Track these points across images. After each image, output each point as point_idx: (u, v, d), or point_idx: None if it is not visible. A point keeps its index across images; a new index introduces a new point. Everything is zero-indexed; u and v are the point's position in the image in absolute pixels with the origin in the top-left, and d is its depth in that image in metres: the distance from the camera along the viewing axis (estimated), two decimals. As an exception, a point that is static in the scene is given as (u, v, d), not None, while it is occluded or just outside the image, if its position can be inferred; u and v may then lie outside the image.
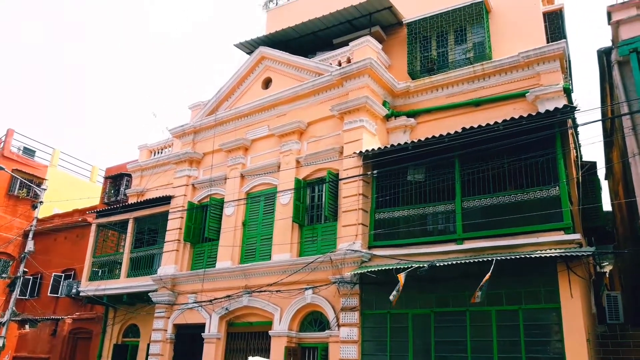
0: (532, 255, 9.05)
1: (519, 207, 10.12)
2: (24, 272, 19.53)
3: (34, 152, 29.68)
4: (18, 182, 26.92)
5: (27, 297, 23.76)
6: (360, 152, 12.01)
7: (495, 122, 10.30)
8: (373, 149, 11.86)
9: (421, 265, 9.92)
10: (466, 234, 10.47)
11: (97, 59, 71.23)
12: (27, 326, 22.18)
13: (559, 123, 10.05)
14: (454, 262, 9.66)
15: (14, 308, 19.15)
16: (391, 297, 9.82)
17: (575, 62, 46.42)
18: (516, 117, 10.21)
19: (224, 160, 15.67)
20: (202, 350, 13.89)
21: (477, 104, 12.41)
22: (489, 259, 9.25)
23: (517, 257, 9.14)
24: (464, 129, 10.63)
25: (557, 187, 9.84)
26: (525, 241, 9.69)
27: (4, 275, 26.27)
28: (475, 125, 10.55)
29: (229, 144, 15.39)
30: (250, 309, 13.44)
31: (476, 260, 9.47)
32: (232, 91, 16.32)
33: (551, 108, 10.06)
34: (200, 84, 68.16)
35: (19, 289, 19.30)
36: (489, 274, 8.81)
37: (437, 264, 9.79)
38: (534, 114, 10.20)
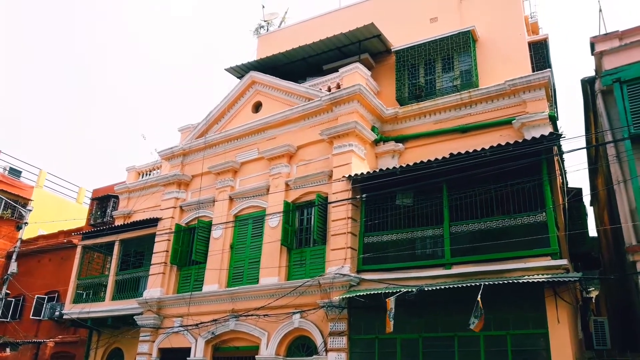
0: (520, 281, 9.11)
1: (506, 232, 10.20)
2: (6, 294, 19.16)
3: (20, 172, 29.46)
4: (3, 203, 26.58)
5: (8, 320, 23.22)
6: (350, 176, 12.08)
7: (482, 149, 10.45)
8: (362, 173, 11.95)
9: (410, 290, 9.93)
10: (454, 259, 10.51)
11: (86, 81, 71.26)
12: (8, 349, 21.66)
13: (544, 150, 10.22)
14: (443, 287, 9.68)
15: (-6, 331, 18.73)
16: (390, 329, 9.72)
17: (560, 90, 47.41)
18: (503, 143, 10.39)
19: (212, 182, 15.66)
20: (187, 375, 13.65)
21: (464, 130, 12.61)
22: (477, 283, 9.29)
23: (505, 282, 9.19)
24: (451, 154, 10.77)
25: (544, 213, 9.96)
26: (513, 266, 9.76)
27: (-16, 297, 25.72)
28: (463, 152, 10.70)
29: (218, 167, 15.40)
30: (237, 333, 13.27)
31: (464, 285, 9.49)
32: (222, 114, 16.40)
33: (537, 135, 10.26)
34: (190, 108, 68.31)
35: (0, 311, 18.89)
36: (479, 298, 8.82)
37: (426, 289, 9.80)
38: (520, 140, 10.36)
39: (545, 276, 9.16)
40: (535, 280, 9.03)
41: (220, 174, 15.43)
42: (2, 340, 21.94)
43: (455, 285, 9.62)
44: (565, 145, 16.88)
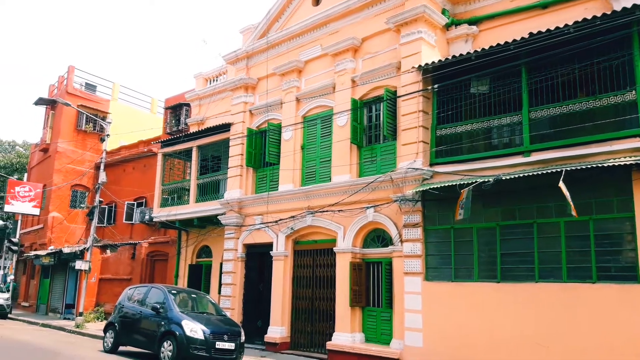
0: (605, 164, 8.69)
1: (590, 114, 9.62)
2: (100, 202, 20.84)
3: (95, 87, 30.65)
4: (84, 117, 28.14)
5: (104, 225, 25.55)
6: (420, 66, 11.58)
7: (566, 25, 9.59)
8: (433, 62, 11.39)
9: (486, 180, 9.78)
10: (534, 146, 10.10)
11: (142, -11, 70.83)
12: (108, 251, 24.00)
13: (637, 21, 9.22)
14: (521, 175, 9.44)
15: (95, 235, 20.65)
16: (459, 216, 9.84)
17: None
18: (589, 17, 9.44)
19: (278, 84, 15.63)
20: (272, 266, 14.65)
21: (544, 6, 11.51)
22: (559, 170, 8.97)
23: (589, 166, 8.80)
24: (531, 34, 9.97)
25: (634, 91, 9.21)
26: (598, 150, 9.26)
27: (82, 205, 28.22)
28: (544, 30, 9.86)
29: (282, 67, 15.26)
30: (314, 228, 13.88)
31: (544, 172, 9.20)
32: (282, 11, 15.94)
33: (628, 5, 9.20)
34: (251, 6, 66.90)
35: (97, 217, 20.68)
36: (561, 184, 8.57)
37: (503, 178, 9.60)
38: (608, 13, 9.37)
39: (633, 158, 8.66)
40: (622, 164, 8.58)
41: (285, 74, 15.31)
42: (102, 243, 24.23)
43: (534, 173, 9.34)
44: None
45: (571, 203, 8.56)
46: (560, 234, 9.62)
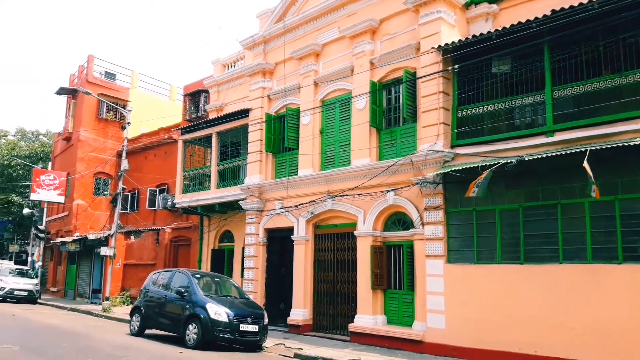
0: (631, 143, 8.50)
1: (616, 92, 9.39)
2: (123, 189, 21.13)
3: (115, 75, 30.88)
4: (105, 106, 28.43)
5: (128, 211, 25.92)
6: (439, 46, 11.42)
7: (590, 1, 9.32)
8: (453, 42, 11.22)
9: (509, 161, 9.65)
10: (557, 126, 9.93)
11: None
12: (132, 237, 24.39)
13: (665, -7, 8.93)
14: (545, 155, 9.30)
15: (118, 221, 20.99)
16: (471, 194, 9.77)
17: None
18: (614, -9, 9.17)
19: (296, 68, 15.57)
20: (293, 250, 14.77)
21: (567, -19, 11.21)
22: (583, 149, 8.81)
23: (615, 145, 8.62)
24: (553, 11, 9.73)
25: (662, 67, 8.97)
26: (623, 128, 9.05)
27: (105, 192, 28.67)
28: (566, 7, 9.60)
29: (300, 51, 15.19)
30: (334, 212, 13.91)
31: (568, 152, 9.04)
32: (298, -6, 15.82)
33: (655, -22, 8.91)
34: (262, -8, 66.41)
35: (120, 204, 20.99)
36: (585, 164, 8.42)
37: (526, 158, 9.47)
38: (635, -15, 9.09)
39: (661, 136, 8.46)
40: (650, 142, 8.38)
41: (303, 58, 15.25)
42: (126, 229, 24.62)
43: (558, 153, 9.20)
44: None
45: (594, 184, 8.42)
46: (584, 215, 9.49)
